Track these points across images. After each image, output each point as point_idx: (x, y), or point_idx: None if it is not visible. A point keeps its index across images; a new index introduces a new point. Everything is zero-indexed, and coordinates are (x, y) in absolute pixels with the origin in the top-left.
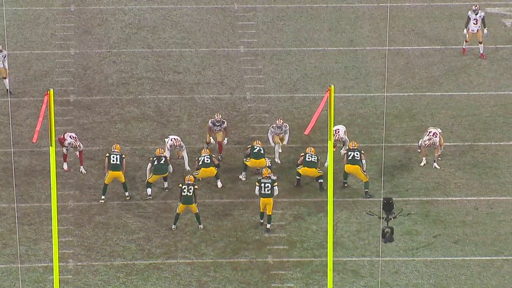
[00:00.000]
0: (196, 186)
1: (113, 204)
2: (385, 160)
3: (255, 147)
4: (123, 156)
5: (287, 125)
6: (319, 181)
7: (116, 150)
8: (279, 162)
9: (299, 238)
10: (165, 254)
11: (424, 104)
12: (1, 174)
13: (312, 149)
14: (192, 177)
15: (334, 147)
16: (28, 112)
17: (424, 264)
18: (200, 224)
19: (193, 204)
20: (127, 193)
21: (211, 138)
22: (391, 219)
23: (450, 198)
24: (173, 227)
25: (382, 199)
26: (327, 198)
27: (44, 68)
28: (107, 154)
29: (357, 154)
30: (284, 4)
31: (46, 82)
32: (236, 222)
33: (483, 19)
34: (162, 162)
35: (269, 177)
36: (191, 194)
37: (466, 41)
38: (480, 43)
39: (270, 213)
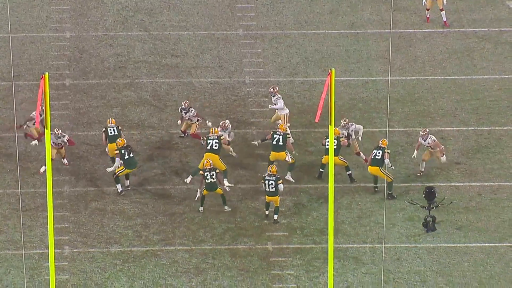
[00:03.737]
0: (217, 170)
1: (110, 190)
2: (388, 144)
3: (275, 135)
4: (120, 128)
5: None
6: (348, 172)
7: (112, 124)
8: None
9: (299, 224)
10: (163, 241)
11: (427, 88)
12: None
13: (336, 130)
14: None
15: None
16: (22, 96)
17: (426, 251)
18: (225, 205)
19: (218, 189)
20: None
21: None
22: (433, 208)
23: (453, 184)
24: (200, 209)
25: (426, 187)
26: (327, 184)
27: (39, 51)
28: (104, 129)
29: (379, 153)
30: None
31: (41, 65)
32: (235, 208)
33: None
34: (131, 156)
35: (274, 175)
36: (214, 180)
37: (427, 10)
38: (442, 10)
39: (277, 205)
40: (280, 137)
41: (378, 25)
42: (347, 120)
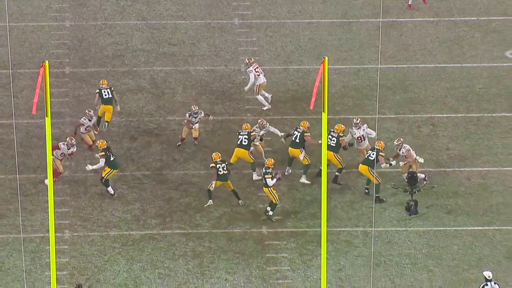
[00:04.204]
0: (226, 162)
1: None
2: (378, 131)
3: (296, 132)
4: (112, 89)
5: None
6: (337, 173)
7: (104, 85)
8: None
9: (293, 208)
10: (161, 225)
11: (418, 76)
12: None
13: (343, 126)
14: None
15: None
16: (23, 83)
17: (416, 234)
18: (239, 199)
19: (229, 181)
20: (105, 125)
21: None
22: (415, 192)
23: (443, 169)
24: (210, 202)
25: (407, 173)
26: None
27: (39, 40)
28: (97, 91)
29: (373, 154)
30: None
31: (42, 54)
32: (231, 193)
33: None
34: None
35: (268, 167)
36: (226, 171)
37: None
38: None
39: (273, 201)
40: (299, 134)
41: (370, 14)
42: (359, 119)
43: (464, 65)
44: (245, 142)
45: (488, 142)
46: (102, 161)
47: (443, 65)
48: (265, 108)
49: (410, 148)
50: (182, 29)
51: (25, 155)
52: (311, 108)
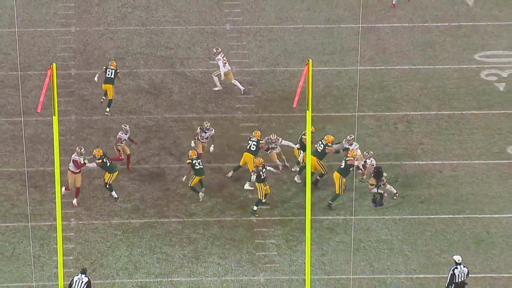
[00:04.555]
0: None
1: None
2: (358, 127)
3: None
4: (118, 71)
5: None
6: (317, 178)
7: (112, 66)
8: None
9: (280, 198)
10: (158, 214)
11: (394, 77)
12: (9, 141)
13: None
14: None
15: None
16: (33, 84)
17: (393, 222)
18: (202, 187)
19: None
20: (107, 110)
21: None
22: (381, 185)
23: (417, 162)
24: (200, 195)
25: (374, 168)
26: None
27: (47, 44)
28: (104, 67)
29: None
30: None
31: (49, 57)
32: (223, 185)
33: None
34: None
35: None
36: (201, 166)
37: None
38: None
39: (259, 196)
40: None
41: (351, 20)
42: (352, 136)
43: (436, 66)
44: (253, 148)
45: (458, 138)
46: (93, 164)
47: (417, 66)
48: (215, 88)
49: (374, 163)
50: (178, 34)
51: (34, 150)
52: (294, 105)
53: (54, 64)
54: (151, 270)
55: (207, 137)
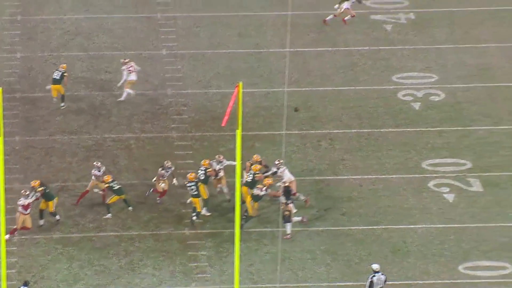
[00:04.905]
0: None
1: (52, 186)
2: (285, 145)
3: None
4: (65, 75)
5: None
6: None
7: (61, 68)
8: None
9: (211, 212)
10: (97, 228)
11: (318, 98)
12: None
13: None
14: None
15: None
16: None
17: (316, 234)
18: (130, 206)
19: (123, 195)
20: (62, 104)
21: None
22: (289, 203)
23: (339, 177)
24: (109, 215)
25: (283, 187)
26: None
27: None
28: (55, 70)
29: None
30: (200, 13)
31: None
32: (157, 199)
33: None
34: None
35: (191, 181)
36: (120, 185)
37: (335, 16)
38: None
39: (198, 209)
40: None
41: (278, 45)
42: (281, 161)
43: (357, 87)
44: (202, 176)
45: (377, 154)
46: (36, 196)
47: (340, 88)
48: (120, 99)
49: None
50: (117, 59)
51: None
52: (223, 125)
53: (1, 88)
54: (90, 281)
55: (167, 176)
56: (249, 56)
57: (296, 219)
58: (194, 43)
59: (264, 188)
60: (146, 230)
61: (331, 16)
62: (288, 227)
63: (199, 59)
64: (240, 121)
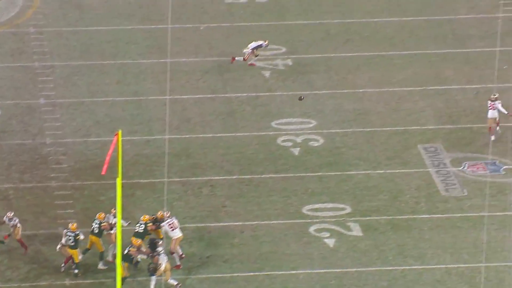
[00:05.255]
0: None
1: None
2: (166, 193)
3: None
4: None
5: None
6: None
7: None
8: None
9: (93, 262)
10: None
11: (198, 144)
12: None
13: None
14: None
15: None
16: None
17: (199, 281)
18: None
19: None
20: None
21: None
22: (155, 255)
23: (220, 224)
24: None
25: (149, 240)
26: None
27: None
28: None
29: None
30: (78, 62)
31: None
32: (39, 250)
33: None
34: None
35: (73, 231)
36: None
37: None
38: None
39: (76, 261)
40: (141, 226)
41: (157, 92)
42: (169, 213)
43: (237, 134)
44: (96, 230)
45: (258, 200)
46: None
47: (220, 134)
48: None
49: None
50: None
51: None
52: (103, 173)
53: None
54: None
55: (12, 225)
56: (128, 104)
57: (171, 282)
58: (72, 92)
59: (136, 251)
60: (26, 281)
61: (240, 58)
62: (153, 281)
63: (77, 107)
64: (120, 169)
